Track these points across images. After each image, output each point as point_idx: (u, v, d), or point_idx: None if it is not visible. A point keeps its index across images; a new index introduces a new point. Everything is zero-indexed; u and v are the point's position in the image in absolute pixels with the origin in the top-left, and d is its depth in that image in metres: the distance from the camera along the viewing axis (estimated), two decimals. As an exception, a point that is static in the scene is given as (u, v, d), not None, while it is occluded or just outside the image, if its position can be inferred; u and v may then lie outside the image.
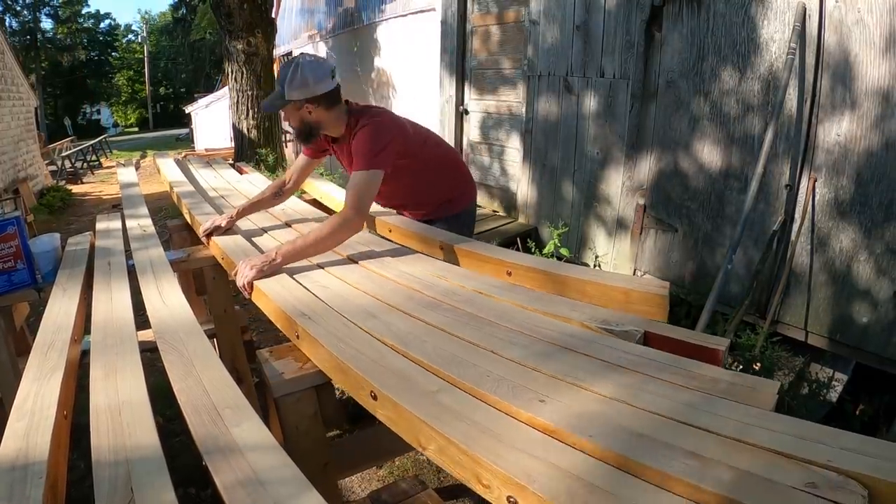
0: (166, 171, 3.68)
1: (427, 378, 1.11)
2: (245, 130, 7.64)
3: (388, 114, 2.21)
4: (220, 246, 2.09)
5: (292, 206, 2.80)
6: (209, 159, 4.59)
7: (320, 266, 1.86)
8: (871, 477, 0.74)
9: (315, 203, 3.02)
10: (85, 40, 36.13)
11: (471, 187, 2.56)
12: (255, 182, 3.49)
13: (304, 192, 3.29)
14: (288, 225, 2.46)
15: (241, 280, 1.79)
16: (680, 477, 0.77)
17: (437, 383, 1.09)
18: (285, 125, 7.46)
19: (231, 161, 5.00)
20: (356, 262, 1.90)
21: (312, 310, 1.47)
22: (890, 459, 0.77)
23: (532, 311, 1.43)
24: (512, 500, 0.82)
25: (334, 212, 2.67)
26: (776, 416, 0.91)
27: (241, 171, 3.89)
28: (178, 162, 4.09)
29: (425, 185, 2.35)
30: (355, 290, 1.63)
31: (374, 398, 1.10)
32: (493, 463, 0.85)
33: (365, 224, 2.43)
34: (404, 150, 2.14)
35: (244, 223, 2.46)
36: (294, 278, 1.74)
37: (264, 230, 2.39)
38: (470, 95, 5.03)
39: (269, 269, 1.81)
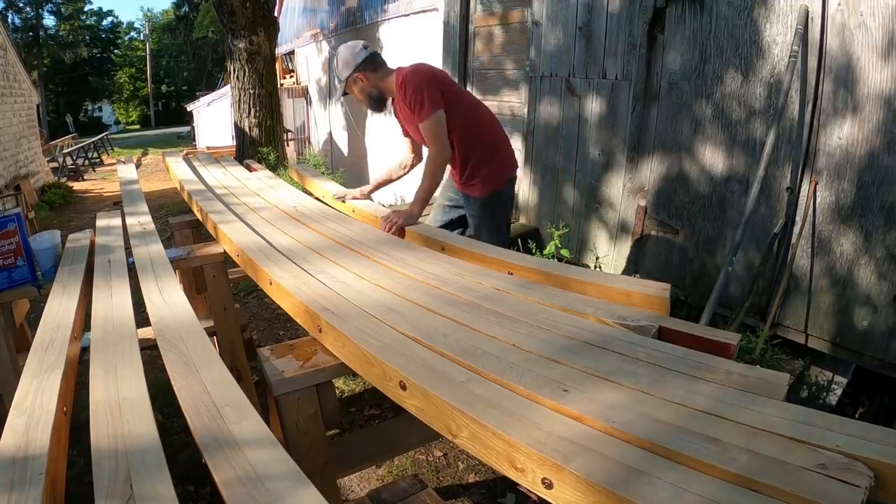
0: (176, 169, 3.68)
1: (454, 369, 1.14)
2: (247, 129, 7.64)
3: (424, 63, 2.52)
4: (235, 243, 2.09)
5: (303, 202, 2.82)
6: (217, 157, 4.59)
7: (337, 262, 1.87)
8: (876, 461, 0.79)
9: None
10: (87, 37, 36.12)
11: (503, 168, 2.66)
12: (262, 179, 3.49)
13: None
14: (299, 221, 2.47)
15: (389, 227, 2.26)
16: (703, 459, 0.82)
17: (465, 374, 1.12)
18: (287, 124, 7.47)
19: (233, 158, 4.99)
20: (372, 259, 1.91)
21: (334, 304, 1.49)
22: (894, 445, 0.82)
23: (549, 307, 1.45)
24: (547, 481, 0.85)
25: (338, 210, 2.77)
26: (787, 405, 0.96)
27: (250, 169, 3.89)
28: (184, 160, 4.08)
29: (460, 140, 2.52)
30: (374, 286, 1.65)
31: (404, 388, 1.12)
32: (529, 445, 0.87)
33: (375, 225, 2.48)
34: (443, 92, 2.41)
35: (257, 220, 2.48)
36: (312, 274, 1.75)
37: (276, 227, 2.39)
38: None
39: (413, 221, 2.30)
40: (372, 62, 2.44)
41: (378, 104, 2.53)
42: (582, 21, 3.74)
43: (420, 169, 2.71)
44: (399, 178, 2.90)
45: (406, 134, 2.73)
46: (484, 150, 2.58)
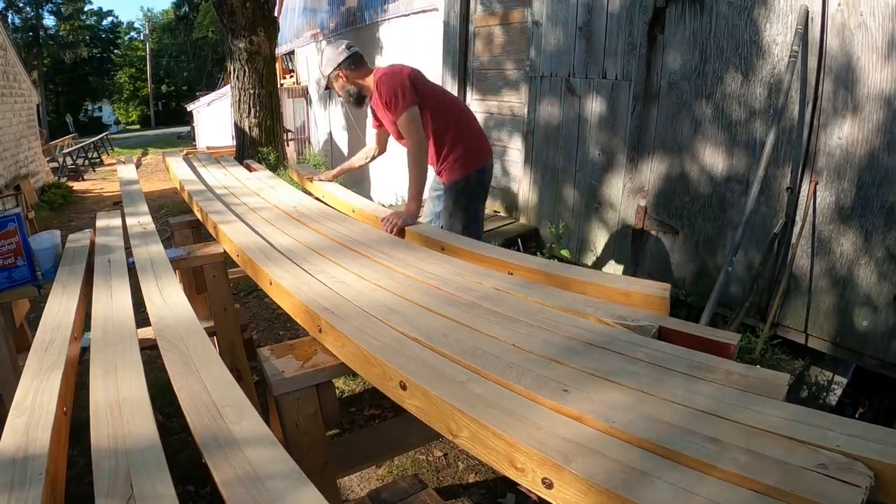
0: (176, 169, 3.68)
1: (454, 369, 1.14)
2: (247, 129, 7.64)
3: (398, 64, 2.70)
4: (235, 243, 2.10)
5: (303, 202, 2.83)
6: (217, 157, 4.59)
7: (337, 262, 1.87)
8: (876, 461, 0.79)
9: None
10: (87, 37, 36.13)
11: (470, 158, 2.77)
12: (262, 179, 3.49)
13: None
14: (300, 221, 2.48)
15: (390, 229, 2.31)
16: (703, 459, 0.82)
17: (465, 374, 1.12)
18: (287, 124, 7.46)
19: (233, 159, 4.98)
20: (372, 259, 1.91)
21: (334, 304, 1.49)
22: (894, 445, 0.82)
23: (550, 307, 1.46)
24: (547, 481, 0.85)
25: (338, 210, 2.79)
26: (787, 405, 0.96)
27: (250, 169, 3.89)
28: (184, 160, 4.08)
29: (432, 133, 2.66)
30: (374, 286, 1.65)
31: (404, 388, 1.12)
32: (530, 445, 0.87)
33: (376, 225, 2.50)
34: (416, 89, 2.56)
35: (257, 220, 2.48)
36: (312, 274, 1.75)
37: (276, 227, 2.40)
38: (472, 96, 5.03)
39: (413, 221, 2.36)
40: (352, 61, 2.63)
41: (357, 101, 2.73)
42: (582, 21, 3.74)
43: (396, 163, 2.84)
44: (361, 166, 3.19)
45: (377, 126, 2.93)
46: (453, 142, 2.72)
